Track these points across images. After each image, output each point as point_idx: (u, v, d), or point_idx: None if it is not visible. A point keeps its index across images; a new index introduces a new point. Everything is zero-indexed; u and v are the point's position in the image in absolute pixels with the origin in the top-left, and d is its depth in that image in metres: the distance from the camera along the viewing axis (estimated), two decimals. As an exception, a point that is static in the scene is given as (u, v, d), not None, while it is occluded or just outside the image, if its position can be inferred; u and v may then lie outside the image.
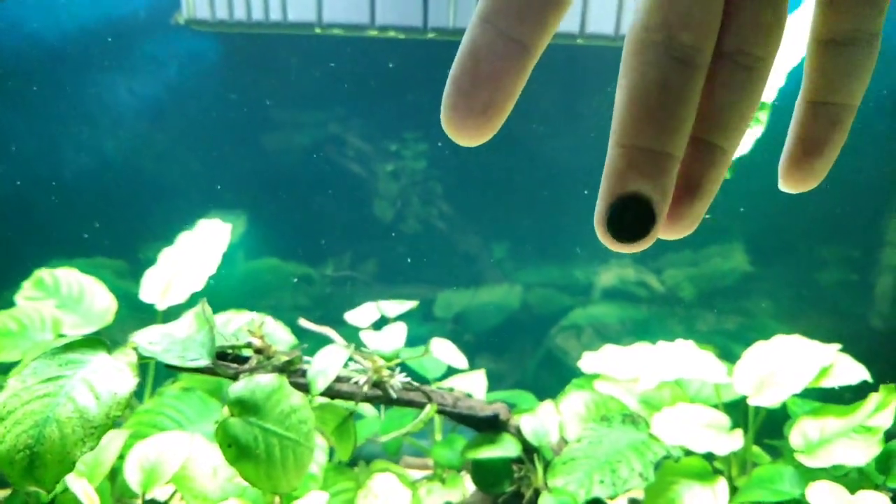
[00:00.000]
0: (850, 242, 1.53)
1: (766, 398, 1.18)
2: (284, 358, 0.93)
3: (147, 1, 1.34)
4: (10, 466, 0.81)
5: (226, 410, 0.84)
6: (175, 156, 1.48)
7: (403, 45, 1.37)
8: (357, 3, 1.25)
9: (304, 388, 0.95)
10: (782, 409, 1.30)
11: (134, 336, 0.87)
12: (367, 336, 1.00)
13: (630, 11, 1.36)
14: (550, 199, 1.54)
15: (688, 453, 1.16)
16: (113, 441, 1.10)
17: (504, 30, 0.24)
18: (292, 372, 0.93)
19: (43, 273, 1.29)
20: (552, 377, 1.47)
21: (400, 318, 1.11)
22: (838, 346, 1.21)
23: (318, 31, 1.31)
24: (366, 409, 1.33)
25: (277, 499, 1.11)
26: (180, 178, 1.49)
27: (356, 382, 0.99)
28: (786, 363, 1.19)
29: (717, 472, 1.19)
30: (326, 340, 1.04)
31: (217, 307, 1.20)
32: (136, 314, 1.31)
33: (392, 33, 1.29)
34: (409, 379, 1.03)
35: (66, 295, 1.29)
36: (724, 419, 1.19)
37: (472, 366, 1.35)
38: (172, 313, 1.16)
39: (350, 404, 0.99)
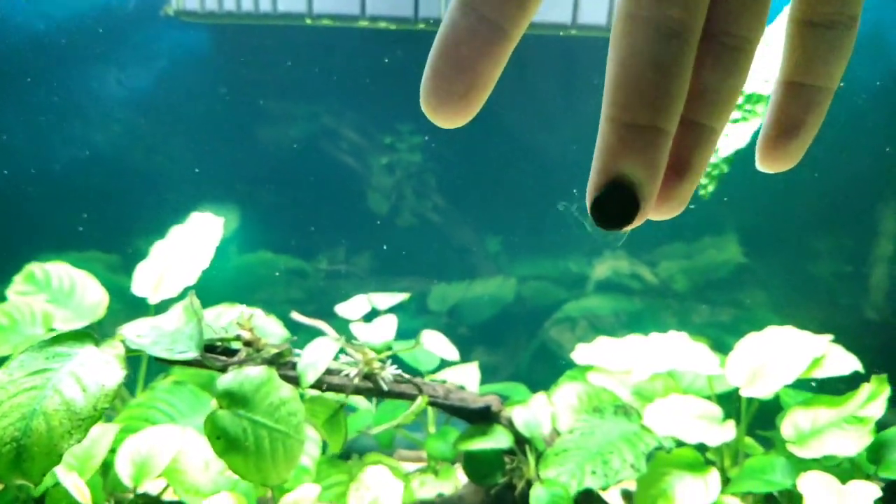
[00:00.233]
0: (843, 233, 1.53)
1: (758, 389, 1.18)
2: (274, 350, 0.92)
3: (136, -7, 1.33)
4: (-2, 459, 0.81)
5: (214, 403, 0.84)
6: (166, 148, 1.47)
7: (396, 35, 1.36)
8: (348, -5, 1.25)
9: (295, 381, 0.94)
10: (775, 401, 1.30)
11: (122, 329, 0.87)
12: (357, 328, 1.00)
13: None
14: (544, 192, 1.54)
15: (680, 444, 1.16)
16: (104, 435, 1.09)
17: (484, 14, 0.24)
18: (282, 364, 0.93)
19: (34, 267, 1.29)
20: (546, 370, 1.46)
21: (394, 311, 1.11)
22: (830, 336, 1.21)
23: (308, 21, 1.30)
24: (359, 402, 1.33)
25: (270, 492, 1.11)
26: (172, 171, 1.48)
27: (347, 375, 0.99)
28: (778, 354, 1.19)
29: (710, 463, 1.19)
30: (319, 334, 1.04)
31: (210, 301, 1.20)
32: (128, 308, 1.31)
33: (383, 24, 1.29)
34: (400, 371, 1.03)
35: (58, 289, 1.28)
36: (717, 410, 1.19)
37: (467, 359, 1.34)
38: (165, 307, 1.15)
39: (341, 397, 0.99)
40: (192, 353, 0.84)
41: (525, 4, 0.24)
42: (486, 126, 1.53)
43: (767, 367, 1.19)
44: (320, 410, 0.96)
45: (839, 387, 1.23)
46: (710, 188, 1.16)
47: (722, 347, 1.34)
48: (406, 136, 1.52)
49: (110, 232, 1.46)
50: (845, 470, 1.15)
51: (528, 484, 1.09)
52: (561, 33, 1.33)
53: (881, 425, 1.11)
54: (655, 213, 0.28)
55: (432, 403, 1.07)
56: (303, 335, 1.10)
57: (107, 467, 1.15)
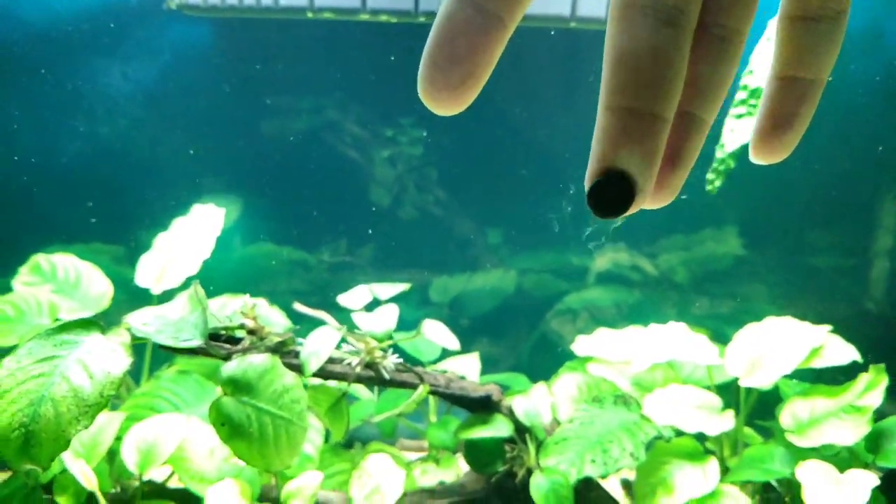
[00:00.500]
0: (842, 227, 1.53)
1: (757, 379, 1.19)
2: (277, 339, 0.94)
3: (140, -14, 1.34)
4: (6, 444, 0.82)
5: (219, 390, 0.85)
6: (170, 141, 1.48)
7: (397, 29, 1.37)
8: (349, -12, 1.25)
9: (298, 369, 0.95)
10: (774, 392, 1.31)
11: (127, 317, 0.88)
12: (359, 318, 1.01)
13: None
14: (545, 184, 1.54)
15: (679, 434, 1.17)
16: (110, 423, 1.11)
17: (480, 4, 0.25)
18: (285, 353, 0.94)
19: (40, 258, 1.30)
20: (547, 361, 1.47)
21: (395, 301, 1.12)
22: (829, 327, 1.21)
23: (309, 15, 1.31)
24: (361, 392, 1.34)
25: (273, 480, 1.12)
26: (176, 164, 1.49)
27: (349, 364, 1.00)
28: (777, 344, 1.20)
29: (709, 452, 1.20)
30: (321, 324, 1.05)
31: (213, 292, 1.21)
32: (132, 299, 1.32)
33: (384, 17, 1.29)
34: (401, 360, 1.04)
35: (63, 280, 1.30)
36: (716, 400, 1.20)
37: (468, 350, 1.35)
38: (168, 298, 1.16)
39: (343, 385, 1.00)
40: (197, 341, 0.85)
41: None
42: (487, 119, 1.54)
43: (766, 357, 1.20)
44: (323, 399, 0.97)
45: (838, 378, 1.24)
46: (717, 183, 1.17)
47: (721, 338, 1.35)
48: (407, 128, 1.53)
49: (114, 224, 1.47)
50: (843, 459, 1.16)
51: (529, 472, 1.10)
52: (560, 26, 1.34)
53: (879, 415, 1.12)
54: (651, 202, 0.28)
55: (433, 392, 1.08)
56: (305, 326, 1.11)
57: (112, 455, 1.16)
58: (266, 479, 1.11)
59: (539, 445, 1.13)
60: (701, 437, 1.20)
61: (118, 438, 1.12)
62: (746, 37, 0.27)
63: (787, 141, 0.30)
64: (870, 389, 1.14)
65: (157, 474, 1.21)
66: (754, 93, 1.17)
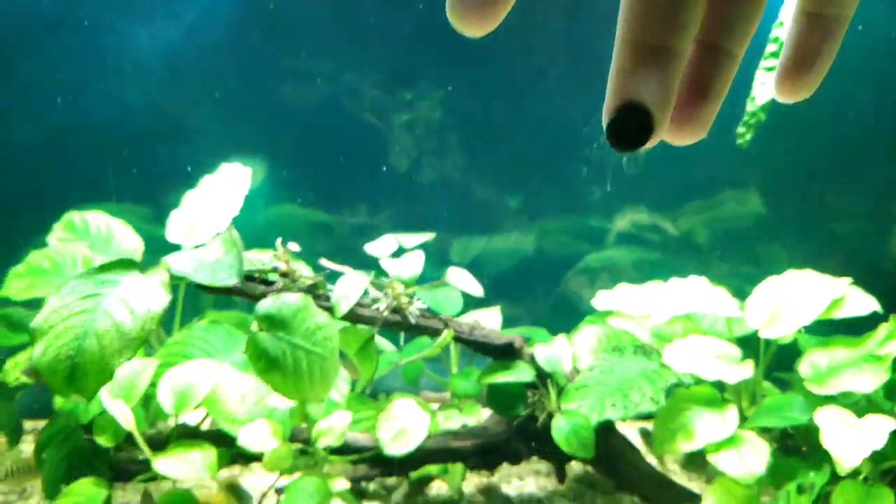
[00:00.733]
0: (863, 187, 1.53)
1: (776, 330, 1.20)
2: (309, 282, 0.97)
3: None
4: (53, 376, 0.86)
5: (255, 326, 0.88)
6: (195, 103, 1.51)
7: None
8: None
9: (329, 312, 0.98)
10: (793, 347, 1.32)
11: (166, 258, 0.91)
12: (386, 263, 1.04)
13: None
14: (565, 146, 1.56)
15: (699, 382, 1.19)
16: (146, 368, 1.15)
17: None
18: (316, 296, 0.97)
19: (73, 215, 1.34)
20: (566, 319, 1.49)
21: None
22: (849, 279, 1.22)
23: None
24: (385, 345, 1.37)
25: (303, 422, 1.16)
26: (200, 126, 1.52)
27: (377, 308, 1.03)
28: (797, 296, 1.21)
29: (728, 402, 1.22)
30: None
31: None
32: (161, 257, 1.36)
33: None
34: (426, 307, 1.07)
35: (95, 236, 1.33)
36: (736, 350, 1.21)
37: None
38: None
39: (372, 329, 1.03)
40: (233, 280, 0.88)
41: None
42: (507, 81, 1.55)
43: (786, 309, 1.21)
44: (352, 340, 1.01)
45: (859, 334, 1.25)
46: (748, 136, 1.17)
47: (741, 297, 1.36)
48: (428, 91, 1.55)
49: (142, 185, 1.51)
50: (862, 407, 1.17)
51: (550, 416, 1.13)
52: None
53: (898, 363, 1.13)
54: (678, 136, 0.29)
55: (457, 339, 1.11)
56: (331, 283, 1.13)
57: (147, 400, 1.20)
58: (296, 421, 1.15)
59: (560, 391, 1.15)
60: (719, 388, 1.22)
61: (152, 384, 1.16)
62: None
63: (810, 78, 0.30)
64: (890, 338, 1.15)
65: (190, 418, 1.25)
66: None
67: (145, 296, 0.86)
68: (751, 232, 1.52)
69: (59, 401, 1.16)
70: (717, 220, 1.52)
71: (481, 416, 1.23)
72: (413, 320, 1.04)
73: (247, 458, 1.19)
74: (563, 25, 1.49)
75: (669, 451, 1.15)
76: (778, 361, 1.33)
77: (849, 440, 1.05)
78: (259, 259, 1.00)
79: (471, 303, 1.34)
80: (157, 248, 1.38)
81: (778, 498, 1.15)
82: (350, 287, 0.97)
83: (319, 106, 1.55)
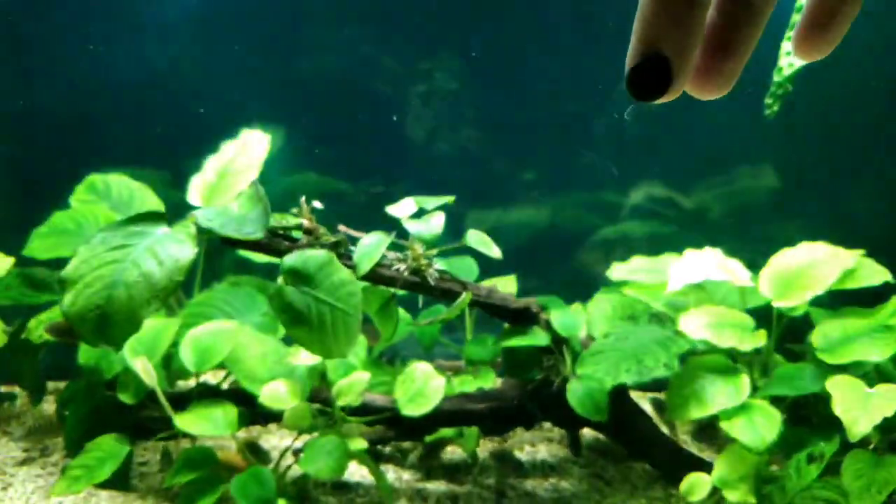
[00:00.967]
0: (878, 162, 1.54)
1: (790, 301, 1.21)
2: (332, 239, 0.98)
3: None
4: (83, 324, 0.88)
5: (281, 279, 0.90)
6: (216, 69, 1.52)
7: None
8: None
9: (351, 270, 1.00)
10: (802, 321, 1.33)
11: (193, 212, 0.93)
12: (408, 223, 1.05)
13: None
14: (581, 119, 1.56)
15: (712, 351, 1.20)
16: (168, 326, 1.17)
17: None
18: (339, 255, 0.99)
19: (95, 178, 1.35)
20: (580, 293, 1.50)
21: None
22: (862, 251, 1.23)
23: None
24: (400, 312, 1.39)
25: (322, 382, 1.18)
26: (221, 92, 1.53)
27: (397, 269, 1.04)
28: (810, 267, 1.22)
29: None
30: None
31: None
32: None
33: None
34: (445, 269, 1.09)
35: (117, 198, 1.35)
36: (749, 320, 1.23)
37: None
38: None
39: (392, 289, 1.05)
40: (259, 234, 0.90)
41: None
42: (524, 52, 1.55)
43: (800, 279, 1.22)
44: (373, 299, 1.02)
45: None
46: (776, 107, 1.18)
47: (755, 271, 1.37)
48: (445, 62, 1.55)
49: (163, 149, 1.52)
50: (872, 378, 1.19)
51: (564, 381, 1.15)
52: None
53: (910, 334, 1.14)
54: (702, 91, 0.29)
55: (475, 302, 1.12)
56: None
57: (168, 360, 1.23)
58: (315, 381, 1.17)
59: (575, 357, 1.17)
60: (731, 359, 1.24)
61: (174, 345, 1.18)
62: None
63: (828, 37, 0.30)
64: (902, 310, 1.16)
65: (210, 378, 1.27)
66: None
67: (173, 247, 0.87)
68: (764, 207, 1.53)
69: (82, 357, 1.18)
70: (732, 194, 1.52)
71: (496, 382, 1.24)
72: (432, 282, 1.05)
73: (265, 418, 1.21)
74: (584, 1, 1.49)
75: (682, 417, 1.16)
76: (789, 334, 1.34)
77: (859, 409, 1.07)
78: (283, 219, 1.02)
79: (485, 273, 1.36)
80: (177, 213, 1.40)
81: (788, 467, 1.17)
82: (372, 246, 0.99)
83: (337, 74, 1.56)
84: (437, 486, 1.24)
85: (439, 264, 1.08)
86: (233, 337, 1.13)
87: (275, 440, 1.34)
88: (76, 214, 1.31)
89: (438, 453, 1.31)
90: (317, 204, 1.00)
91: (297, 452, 1.17)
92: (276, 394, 1.11)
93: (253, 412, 1.17)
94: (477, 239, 1.08)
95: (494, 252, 1.09)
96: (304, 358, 1.15)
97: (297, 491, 1.19)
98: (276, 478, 1.09)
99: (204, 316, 1.22)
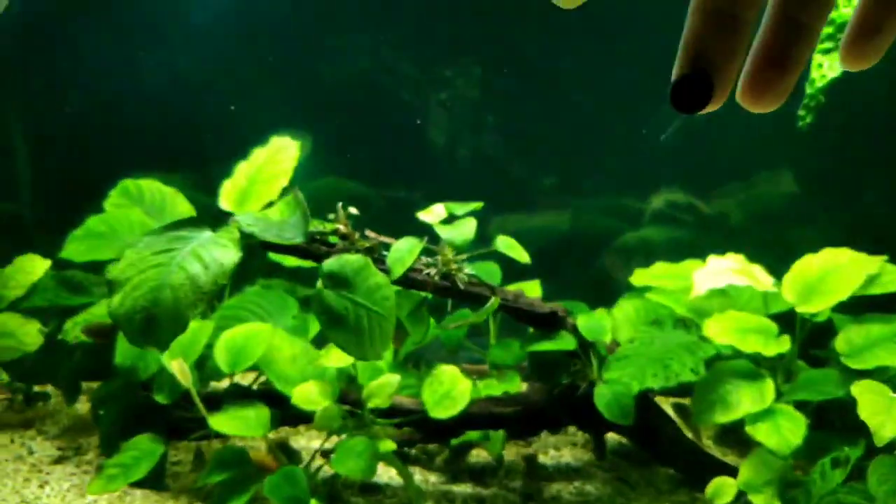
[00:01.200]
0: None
1: (813, 306, 1.23)
2: (367, 245, 1.00)
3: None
4: (129, 326, 0.91)
5: (320, 283, 0.92)
6: (243, 77, 1.55)
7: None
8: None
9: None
10: (828, 326, 1.34)
11: (235, 217, 0.96)
12: (439, 229, 1.07)
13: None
14: (603, 126, 1.58)
15: (736, 356, 1.22)
16: (203, 328, 1.20)
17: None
18: (374, 260, 1.01)
19: (128, 182, 1.38)
20: (601, 299, 1.52)
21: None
22: (885, 256, 1.24)
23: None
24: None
25: (350, 383, 1.20)
26: (248, 99, 1.56)
27: (428, 273, 1.06)
28: (833, 272, 1.24)
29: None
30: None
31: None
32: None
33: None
34: (474, 274, 1.11)
35: (150, 203, 1.38)
36: (773, 325, 1.24)
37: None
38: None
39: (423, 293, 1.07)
40: (300, 239, 0.92)
41: None
42: (545, 59, 1.57)
43: (823, 285, 1.23)
44: (405, 303, 1.05)
45: None
46: (809, 119, 1.20)
47: (776, 277, 1.38)
48: (467, 67, 1.58)
49: (192, 154, 1.55)
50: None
51: (591, 385, 1.17)
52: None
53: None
54: (755, 104, 0.30)
55: (503, 307, 1.14)
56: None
57: (202, 362, 1.25)
58: (343, 384, 1.19)
59: (601, 361, 1.19)
60: (755, 363, 1.25)
61: (207, 346, 1.21)
62: None
63: (875, 47, 0.31)
64: (926, 316, 1.17)
65: (239, 380, 1.30)
66: (841, 27, 1.19)
67: (217, 251, 0.90)
68: (785, 213, 1.54)
69: (119, 357, 1.21)
70: (752, 200, 1.54)
71: (521, 386, 1.26)
72: (462, 286, 1.08)
73: (295, 419, 1.24)
74: (605, 7, 1.51)
75: (708, 421, 1.18)
76: (811, 340, 1.35)
77: (885, 413, 1.08)
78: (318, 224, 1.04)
79: (506, 278, 1.38)
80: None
81: (813, 471, 1.18)
82: (405, 251, 1.01)
83: (360, 81, 1.59)
84: (463, 489, 1.25)
85: (469, 269, 1.10)
86: (266, 339, 1.16)
87: (303, 441, 1.37)
88: (110, 218, 1.33)
89: (464, 456, 1.33)
90: (353, 210, 1.02)
91: (325, 454, 1.19)
92: (307, 395, 1.13)
93: (283, 413, 1.19)
94: (506, 244, 1.10)
95: (523, 257, 1.11)
96: (333, 360, 1.17)
97: (328, 491, 1.21)
98: (308, 478, 1.11)
99: (237, 318, 1.24)
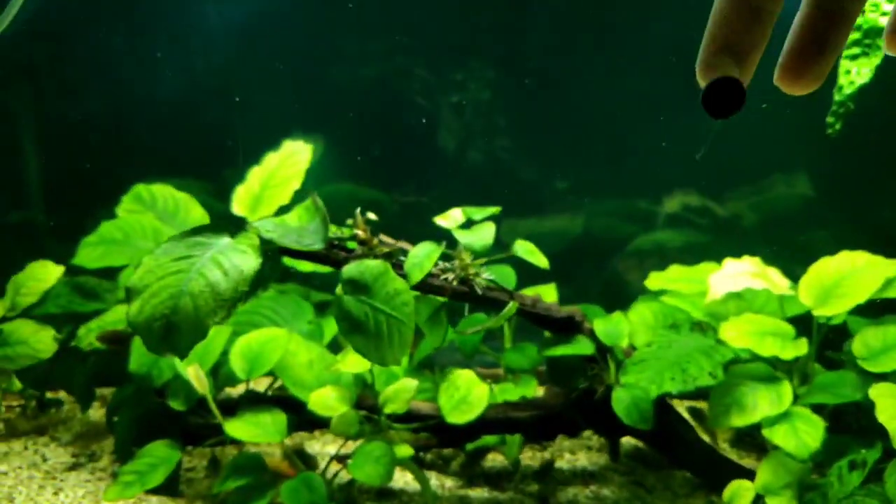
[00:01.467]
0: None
1: (830, 309, 1.22)
2: (386, 250, 1.00)
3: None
4: (149, 333, 0.90)
5: (339, 289, 0.92)
6: (256, 82, 1.55)
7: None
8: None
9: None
10: (842, 328, 1.34)
11: (254, 223, 0.95)
12: (458, 234, 1.07)
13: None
14: (615, 128, 1.58)
15: (753, 359, 1.21)
16: (219, 334, 1.19)
17: None
18: (392, 265, 1.01)
19: (141, 188, 1.38)
20: (616, 303, 1.52)
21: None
22: (903, 260, 1.24)
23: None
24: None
25: (367, 389, 1.20)
26: (259, 104, 1.56)
27: (446, 279, 1.06)
28: (850, 275, 1.23)
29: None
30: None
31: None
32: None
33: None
34: (492, 278, 1.10)
35: (162, 208, 1.38)
36: (790, 328, 1.24)
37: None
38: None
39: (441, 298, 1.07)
40: (319, 245, 0.92)
41: None
42: (556, 62, 1.57)
43: (839, 288, 1.23)
44: (423, 308, 1.04)
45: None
46: (838, 126, 1.19)
47: (793, 279, 1.37)
48: (478, 71, 1.57)
49: (203, 160, 1.55)
50: (915, 387, 1.19)
51: (608, 390, 1.16)
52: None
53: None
54: (794, 87, 0.31)
55: (520, 312, 1.14)
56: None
57: (216, 367, 1.25)
58: (360, 389, 1.19)
59: (618, 366, 1.18)
60: (773, 365, 1.24)
61: (223, 352, 1.21)
62: None
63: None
64: (944, 319, 1.17)
65: (255, 385, 1.29)
66: (869, 32, 1.19)
67: (237, 257, 0.89)
68: (801, 215, 1.54)
69: (133, 364, 1.20)
70: (767, 203, 1.54)
71: (537, 390, 1.26)
72: (480, 291, 1.07)
73: (311, 424, 1.23)
74: (617, 10, 1.51)
75: (725, 425, 1.17)
76: (827, 343, 1.34)
77: (905, 416, 1.07)
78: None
79: (520, 282, 1.38)
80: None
81: (830, 474, 1.17)
82: (423, 256, 1.01)
83: (372, 86, 1.59)
84: (479, 494, 1.25)
85: (487, 273, 1.10)
86: (282, 344, 1.16)
87: (318, 446, 1.36)
88: (123, 224, 1.33)
89: (480, 461, 1.33)
90: (371, 216, 1.02)
91: (341, 459, 1.19)
92: (324, 400, 1.13)
93: (299, 418, 1.19)
94: (525, 249, 1.09)
95: (542, 262, 1.10)
96: (350, 365, 1.16)
97: (344, 497, 1.20)
98: (325, 484, 1.11)
99: (252, 324, 1.24)
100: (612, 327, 1.19)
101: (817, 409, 1.22)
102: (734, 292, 1.27)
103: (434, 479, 1.28)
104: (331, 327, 1.26)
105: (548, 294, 1.33)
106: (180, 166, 1.52)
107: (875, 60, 1.21)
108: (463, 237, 1.05)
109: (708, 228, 1.56)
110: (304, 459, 1.29)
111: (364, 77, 1.59)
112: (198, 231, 0.94)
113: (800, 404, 1.19)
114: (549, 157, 1.63)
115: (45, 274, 1.37)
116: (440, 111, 1.60)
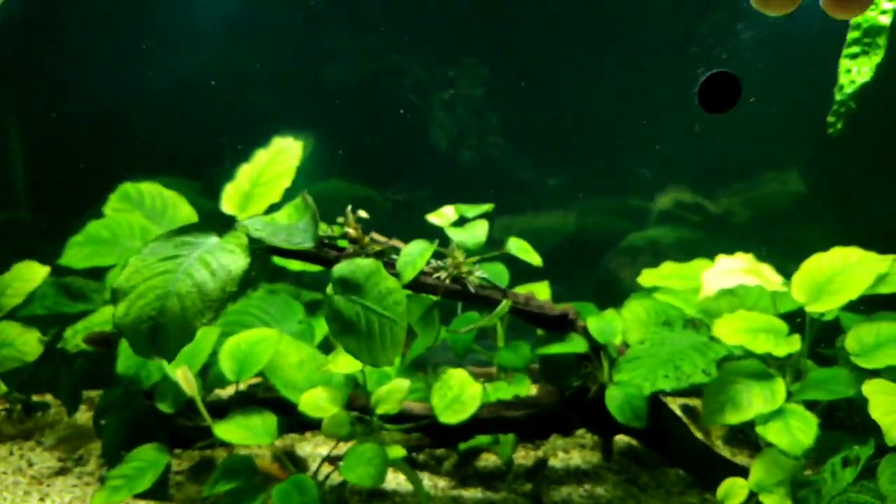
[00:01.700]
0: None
1: (823, 305, 1.22)
2: (377, 248, 0.99)
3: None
4: (135, 336, 0.88)
5: (330, 289, 0.91)
6: (245, 79, 1.53)
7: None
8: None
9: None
10: (834, 324, 1.34)
11: (243, 222, 0.94)
12: (451, 231, 1.06)
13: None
14: (608, 126, 1.57)
15: (746, 356, 1.21)
16: (207, 335, 1.17)
17: None
18: (384, 263, 0.99)
19: (128, 186, 1.36)
20: (609, 300, 1.51)
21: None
22: (894, 256, 1.24)
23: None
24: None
25: (358, 389, 1.18)
26: (249, 101, 1.54)
27: (438, 277, 1.05)
28: (843, 272, 1.23)
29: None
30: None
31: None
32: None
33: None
34: (485, 277, 1.09)
35: (150, 207, 1.35)
36: (783, 325, 1.23)
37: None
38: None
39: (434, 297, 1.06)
40: (309, 244, 0.90)
41: None
42: (549, 59, 1.56)
43: (832, 285, 1.23)
44: (415, 308, 1.03)
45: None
46: (839, 126, 1.19)
47: (785, 275, 1.37)
48: (470, 68, 1.56)
49: (192, 158, 1.53)
50: (906, 383, 1.19)
51: (602, 388, 1.15)
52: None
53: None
54: (842, 11, 0.30)
55: (514, 310, 1.13)
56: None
57: (205, 369, 1.23)
58: (351, 390, 1.17)
59: (611, 363, 1.18)
60: (766, 363, 1.24)
61: (212, 353, 1.19)
62: None
63: None
64: (937, 314, 1.17)
65: (241, 386, 1.28)
66: (869, 31, 1.18)
67: (225, 257, 0.88)
68: (791, 212, 1.54)
69: (121, 366, 1.18)
70: (760, 199, 1.53)
71: (530, 388, 1.25)
72: (473, 289, 1.06)
73: (302, 426, 1.22)
74: (611, 9, 1.50)
75: (718, 422, 1.17)
76: (819, 340, 1.34)
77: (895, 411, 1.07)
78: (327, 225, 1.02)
79: (515, 278, 1.37)
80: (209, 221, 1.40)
81: (823, 471, 1.17)
82: (415, 255, 0.99)
83: (363, 83, 1.57)
84: (472, 494, 1.24)
85: (480, 271, 1.09)
86: (272, 345, 1.14)
87: (309, 448, 1.35)
88: (111, 223, 1.31)
89: (473, 460, 1.32)
90: (362, 213, 1.01)
91: (332, 461, 1.18)
92: (315, 401, 1.11)
93: (289, 420, 1.17)
94: (518, 247, 1.08)
95: (536, 260, 1.09)
96: (341, 366, 1.15)
97: (336, 499, 1.19)
98: (317, 486, 1.10)
99: (241, 324, 1.22)
100: (606, 325, 1.18)
101: (810, 405, 1.22)
102: (727, 289, 1.27)
103: (427, 480, 1.27)
104: (322, 327, 1.24)
105: (541, 292, 1.32)
106: (169, 164, 1.50)
107: (875, 59, 1.20)
108: (455, 235, 1.04)
109: (701, 225, 1.56)
110: (295, 461, 1.27)
111: (356, 74, 1.58)
112: (185, 230, 0.92)
113: (793, 401, 1.19)
114: (542, 155, 1.62)
115: (30, 274, 1.35)
116: (433, 108, 1.59)
